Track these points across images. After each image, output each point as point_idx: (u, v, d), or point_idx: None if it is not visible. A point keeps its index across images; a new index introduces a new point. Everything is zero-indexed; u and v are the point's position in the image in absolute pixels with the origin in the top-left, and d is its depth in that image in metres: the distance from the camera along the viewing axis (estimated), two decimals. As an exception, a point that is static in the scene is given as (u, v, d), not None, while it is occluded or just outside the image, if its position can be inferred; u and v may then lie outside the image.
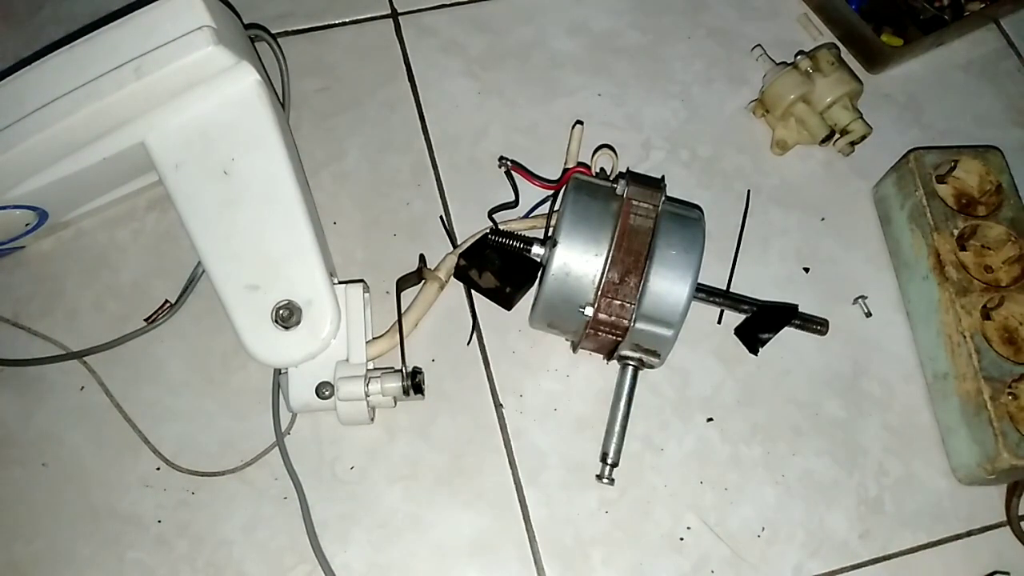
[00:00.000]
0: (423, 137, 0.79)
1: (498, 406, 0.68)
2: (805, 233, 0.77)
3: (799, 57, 0.77)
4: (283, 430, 0.66)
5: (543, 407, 0.68)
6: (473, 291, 0.71)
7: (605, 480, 0.63)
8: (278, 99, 0.75)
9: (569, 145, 0.76)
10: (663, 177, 0.69)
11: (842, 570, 0.65)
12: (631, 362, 0.63)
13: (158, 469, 0.65)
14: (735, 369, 0.71)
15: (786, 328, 0.69)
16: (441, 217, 0.75)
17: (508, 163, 0.75)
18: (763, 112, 0.80)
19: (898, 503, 0.67)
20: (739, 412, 0.69)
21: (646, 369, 0.64)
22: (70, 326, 0.69)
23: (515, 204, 0.75)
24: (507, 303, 0.70)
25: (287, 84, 0.77)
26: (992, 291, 0.68)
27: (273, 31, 0.81)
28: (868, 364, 0.72)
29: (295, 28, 0.83)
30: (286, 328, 0.62)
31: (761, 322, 0.69)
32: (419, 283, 0.70)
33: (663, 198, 0.62)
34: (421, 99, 0.80)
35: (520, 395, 0.69)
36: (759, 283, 0.73)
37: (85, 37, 0.60)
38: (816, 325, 0.70)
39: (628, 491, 0.66)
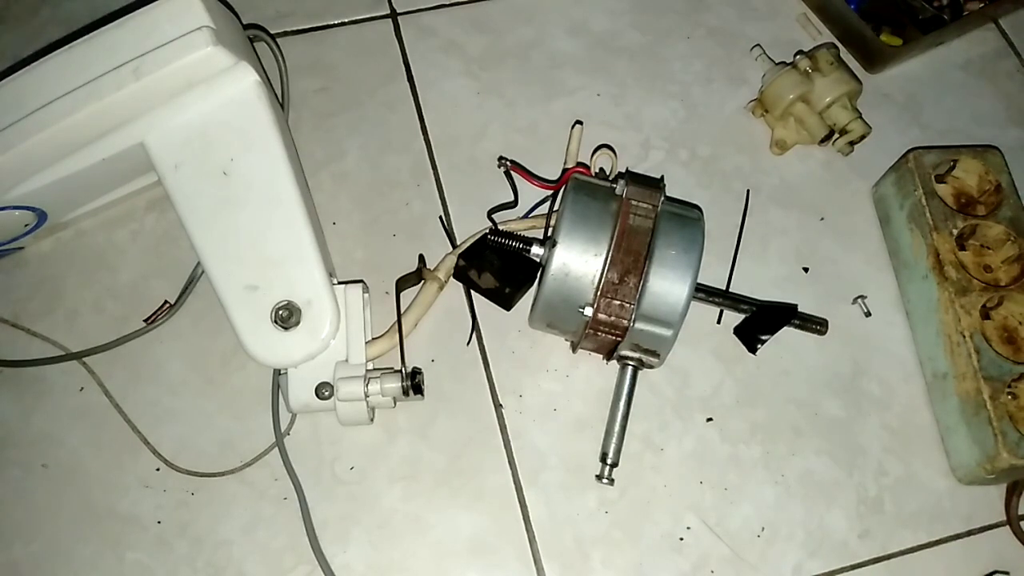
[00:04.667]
0: (423, 137, 0.79)
1: (498, 406, 0.68)
2: (805, 233, 0.77)
3: (798, 57, 0.77)
4: (283, 430, 0.66)
5: (543, 407, 0.68)
6: (473, 291, 0.71)
7: (605, 480, 0.63)
8: (277, 99, 0.75)
9: (568, 145, 0.76)
10: (662, 177, 0.69)
11: (842, 570, 0.65)
12: (631, 362, 0.63)
13: (158, 470, 0.65)
14: (735, 369, 0.71)
15: (785, 328, 0.69)
16: (441, 217, 0.75)
17: (508, 163, 0.75)
18: (762, 112, 0.80)
19: (898, 503, 0.67)
20: (739, 412, 0.69)
21: (646, 369, 0.64)
22: (70, 327, 0.69)
23: (514, 204, 0.75)
24: (507, 303, 0.70)
25: (287, 84, 0.77)
26: (991, 291, 0.68)
27: (273, 31, 0.80)
28: (868, 364, 0.72)
29: (295, 28, 0.83)
30: (286, 328, 0.62)
31: (760, 322, 0.69)
32: (419, 283, 0.70)
33: (662, 198, 0.62)
34: (421, 99, 0.80)
35: (520, 395, 0.69)
36: (759, 283, 0.73)
37: (85, 37, 0.60)
38: (815, 325, 0.70)
39: (628, 491, 0.66)
